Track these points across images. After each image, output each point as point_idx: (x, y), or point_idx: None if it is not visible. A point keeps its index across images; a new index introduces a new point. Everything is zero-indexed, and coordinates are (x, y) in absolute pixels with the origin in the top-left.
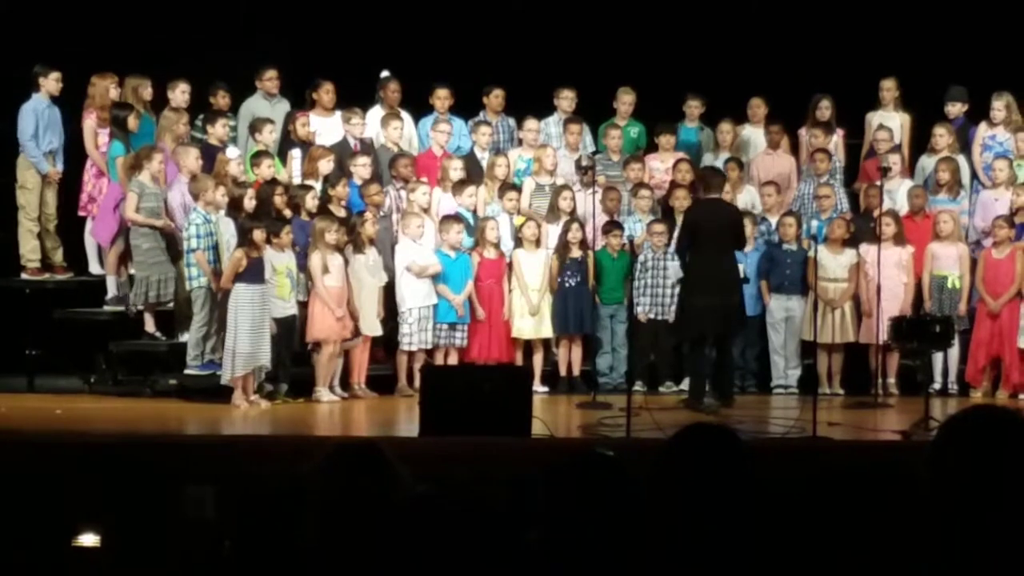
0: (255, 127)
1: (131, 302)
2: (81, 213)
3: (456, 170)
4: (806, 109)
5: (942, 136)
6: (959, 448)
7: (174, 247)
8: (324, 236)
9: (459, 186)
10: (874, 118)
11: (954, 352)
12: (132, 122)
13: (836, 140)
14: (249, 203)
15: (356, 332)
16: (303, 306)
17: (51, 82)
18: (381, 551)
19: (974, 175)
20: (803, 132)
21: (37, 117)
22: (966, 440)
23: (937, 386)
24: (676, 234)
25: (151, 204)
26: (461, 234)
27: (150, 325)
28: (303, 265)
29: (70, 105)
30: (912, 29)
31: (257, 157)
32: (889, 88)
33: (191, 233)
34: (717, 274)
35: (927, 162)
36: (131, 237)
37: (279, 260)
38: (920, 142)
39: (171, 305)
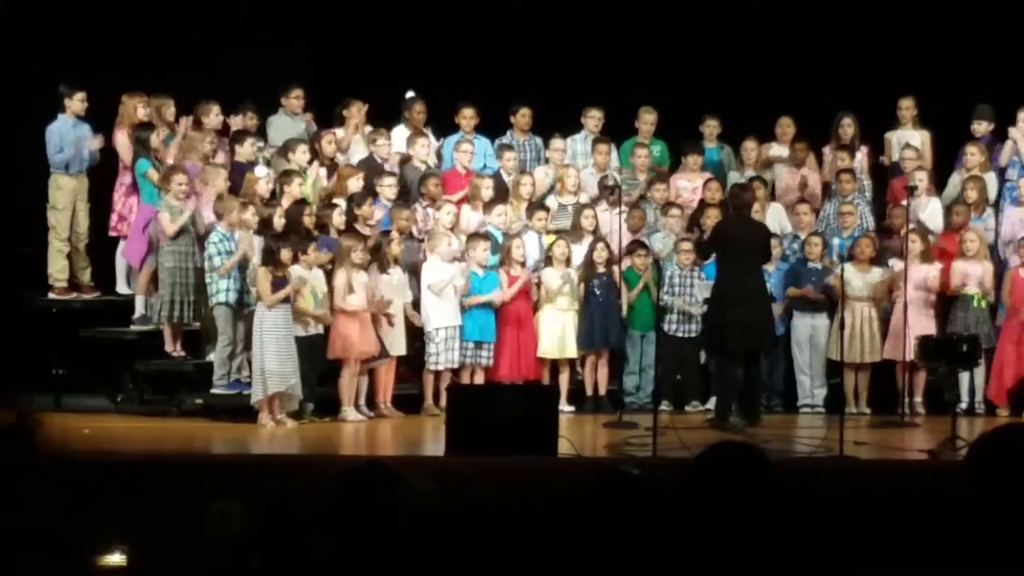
0: (288, 147)
1: (151, 318)
2: (112, 233)
3: (487, 189)
4: (828, 127)
5: (973, 155)
6: (991, 467)
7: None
8: (350, 255)
9: (489, 205)
10: (894, 137)
11: (981, 371)
12: (154, 140)
13: (860, 158)
14: (279, 222)
15: (382, 351)
16: (331, 325)
17: (76, 102)
18: (393, 568)
19: (1000, 192)
20: (827, 150)
21: (61, 138)
22: (998, 459)
23: (964, 405)
24: (705, 238)
25: (180, 222)
26: (488, 252)
27: (169, 344)
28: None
29: (104, 124)
30: (932, 47)
31: (287, 175)
32: (907, 107)
33: (211, 252)
34: (747, 289)
35: (957, 180)
36: (160, 255)
37: (304, 278)
38: (941, 159)
39: (196, 324)
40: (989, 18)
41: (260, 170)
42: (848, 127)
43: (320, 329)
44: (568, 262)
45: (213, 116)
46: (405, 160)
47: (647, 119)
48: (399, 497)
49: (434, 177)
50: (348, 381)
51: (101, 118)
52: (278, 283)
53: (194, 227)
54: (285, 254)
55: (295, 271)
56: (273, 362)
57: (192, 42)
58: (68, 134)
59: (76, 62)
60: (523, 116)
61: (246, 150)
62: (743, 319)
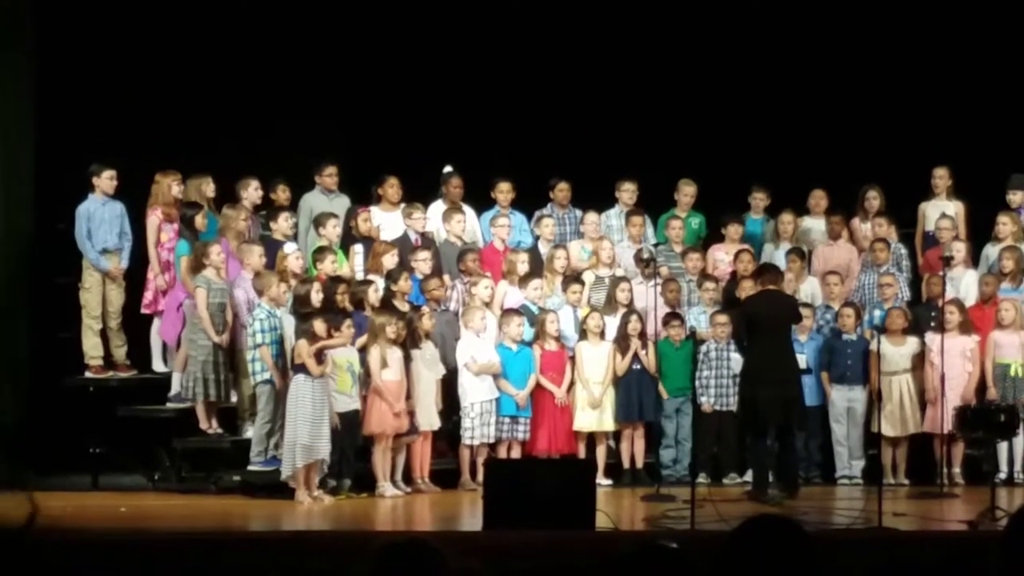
0: (319, 222)
1: (183, 396)
2: (145, 311)
3: (523, 263)
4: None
5: (1005, 224)
6: None
7: (235, 346)
8: (384, 331)
9: (525, 279)
10: (928, 208)
11: (1020, 441)
12: (200, 221)
13: (891, 229)
14: (316, 297)
15: (413, 427)
16: (366, 400)
17: (105, 180)
18: None
19: None
20: (856, 221)
21: (88, 217)
22: None
23: (1003, 475)
24: (734, 324)
25: (217, 299)
26: (522, 327)
27: (203, 422)
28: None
29: (137, 203)
30: (967, 116)
31: (320, 252)
32: (942, 176)
33: (255, 328)
34: (777, 366)
35: (991, 251)
36: (190, 332)
37: (340, 354)
38: (976, 230)
39: (226, 402)
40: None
41: (289, 246)
42: (874, 199)
43: (357, 404)
44: (602, 335)
45: (252, 191)
46: (432, 238)
47: (687, 191)
48: (441, 575)
49: (472, 252)
50: (381, 456)
51: (131, 196)
52: (317, 357)
53: (227, 307)
54: (319, 326)
55: (332, 349)
56: (306, 435)
57: (225, 119)
58: (97, 213)
59: (106, 140)
60: (561, 191)
61: (281, 226)
62: (773, 396)
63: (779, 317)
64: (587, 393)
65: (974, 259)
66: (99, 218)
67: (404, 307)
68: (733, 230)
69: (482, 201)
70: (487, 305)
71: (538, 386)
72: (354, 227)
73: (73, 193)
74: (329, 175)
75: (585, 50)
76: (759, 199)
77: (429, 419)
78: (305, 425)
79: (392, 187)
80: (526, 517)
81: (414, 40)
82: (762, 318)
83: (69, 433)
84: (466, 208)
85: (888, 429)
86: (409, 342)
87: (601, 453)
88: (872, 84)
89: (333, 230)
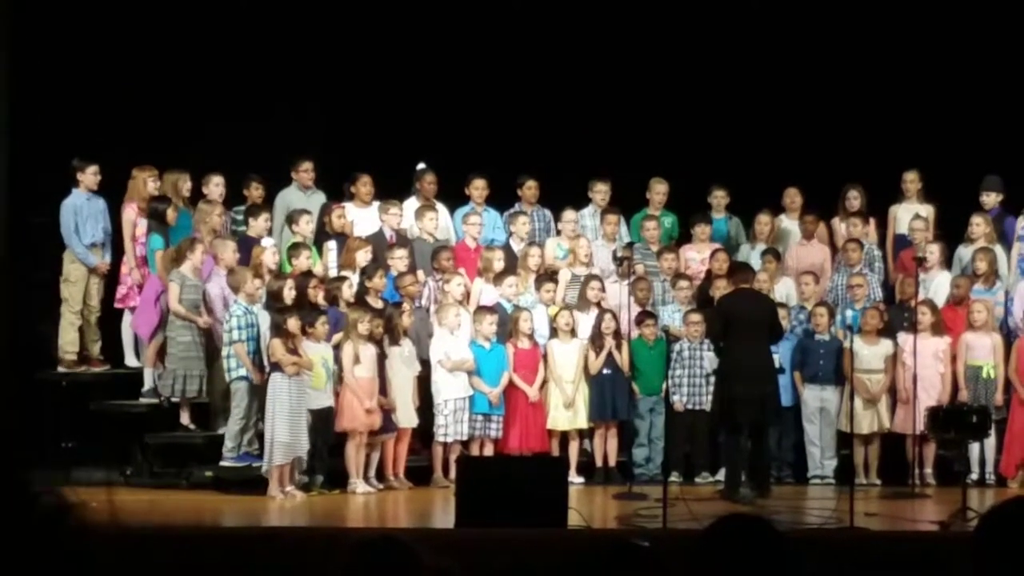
0: (292, 218)
1: (160, 392)
2: (118, 305)
3: (499, 261)
4: (836, 200)
5: (979, 225)
6: (1000, 540)
7: (212, 342)
8: (356, 327)
9: (499, 277)
10: (898, 210)
11: (991, 442)
12: (170, 215)
13: (868, 229)
14: (289, 294)
15: (388, 424)
16: (338, 397)
17: (89, 176)
18: None
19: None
20: (836, 222)
21: (76, 212)
22: (1009, 531)
23: (974, 476)
24: (708, 322)
25: (191, 296)
26: (494, 325)
27: (185, 418)
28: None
29: (113, 198)
30: (938, 120)
31: (295, 249)
32: (912, 180)
33: (232, 325)
34: (752, 363)
35: (963, 252)
36: (169, 329)
37: (314, 351)
38: (946, 233)
39: (204, 398)
40: (996, 92)
41: (265, 240)
42: (855, 199)
43: (330, 401)
44: (573, 333)
45: (213, 186)
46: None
47: (658, 190)
48: (413, 573)
49: (446, 250)
50: (354, 453)
51: (112, 192)
52: (291, 354)
53: (203, 303)
54: (293, 323)
55: (307, 346)
56: (284, 433)
57: (201, 115)
58: (83, 208)
59: (87, 135)
60: (529, 188)
61: (260, 224)
62: (749, 394)
63: (754, 316)
64: (561, 392)
65: (947, 261)
66: (85, 213)
67: (377, 303)
68: (700, 230)
69: (455, 198)
70: (461, 302)
71: (511, 384)
72: (328, 223)
73: (47, 187)
74: (305, 171)
75: (560, 50)
76: (720, 197)
77: (407, 416)
78: (284, 423)
79: (364, 184)
80: (498, 514)
81: (390, 37)
82: (737, 317)
83: (42, 427)
84: (439, 205)
85: (856, 426)
86: (388, 339)
87: (573, 451)
88: (843, 87)
89: (307, 226)
